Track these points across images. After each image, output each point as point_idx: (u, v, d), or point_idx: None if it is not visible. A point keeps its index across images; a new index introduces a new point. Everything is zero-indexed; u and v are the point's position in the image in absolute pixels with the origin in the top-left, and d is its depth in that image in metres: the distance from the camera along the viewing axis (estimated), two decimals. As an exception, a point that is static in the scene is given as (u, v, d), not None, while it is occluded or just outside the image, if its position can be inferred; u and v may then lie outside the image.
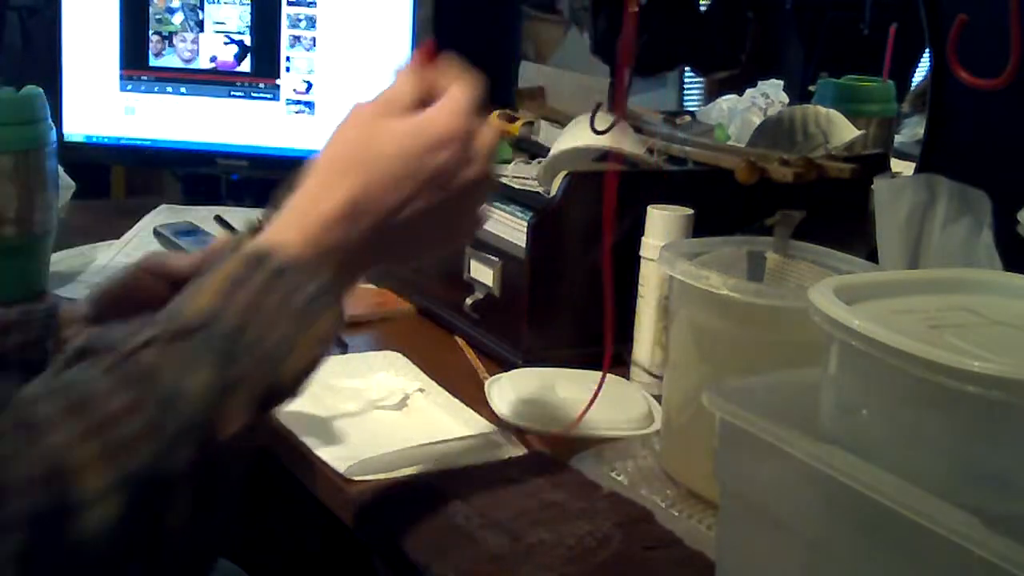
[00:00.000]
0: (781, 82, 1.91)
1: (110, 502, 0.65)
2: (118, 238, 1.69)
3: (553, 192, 1.25)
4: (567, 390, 1.13)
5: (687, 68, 1.46)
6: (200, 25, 1.85)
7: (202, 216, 1.78)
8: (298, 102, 1.85)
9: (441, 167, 0.80)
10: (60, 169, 1.60)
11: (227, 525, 0.73)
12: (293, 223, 0.79)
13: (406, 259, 0.87)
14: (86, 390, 0.69)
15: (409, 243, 0.83)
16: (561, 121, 1.40)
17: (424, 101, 0.83)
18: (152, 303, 0.97)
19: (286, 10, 1.84)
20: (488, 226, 1.32)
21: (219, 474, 0.71)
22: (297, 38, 1.84)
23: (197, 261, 0.96)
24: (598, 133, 1.21)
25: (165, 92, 1.85)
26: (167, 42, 1.86)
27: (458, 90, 0.83)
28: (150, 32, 1.86)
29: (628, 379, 1.19)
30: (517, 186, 1.33)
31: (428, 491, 0.95)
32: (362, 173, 0.80)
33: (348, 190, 0.79)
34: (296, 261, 0.76)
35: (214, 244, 0.99)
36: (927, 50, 1.48)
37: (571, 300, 1.23)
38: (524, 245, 1.23)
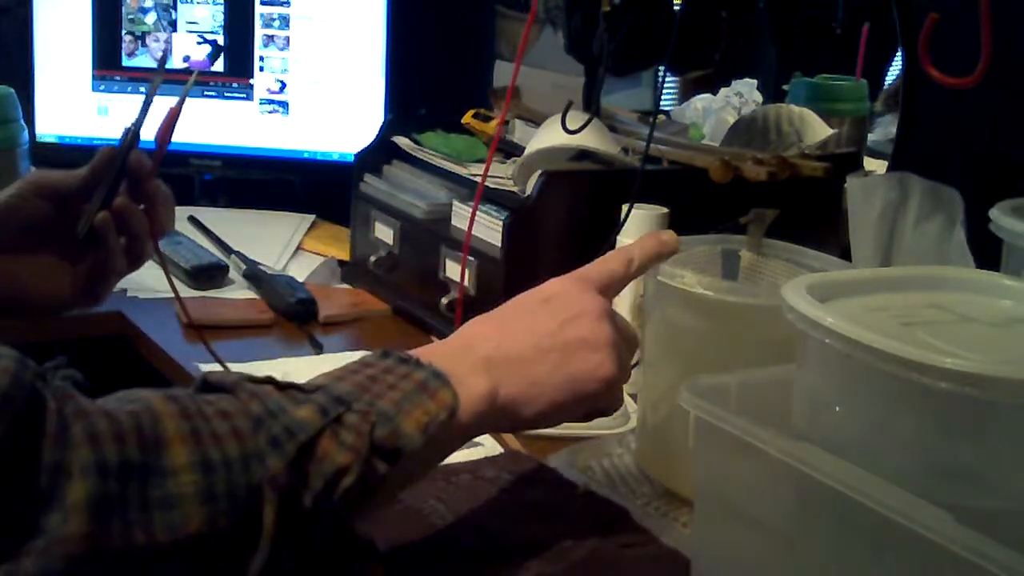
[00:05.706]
0: (755, 81, 1.92)
1: (188, 480, 0.63)
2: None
3: (528, 191, 1.25)
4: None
5: (662, 67, 1.46)
6: (173, 25, 1.85)
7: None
8: (272, 102, 1.85)
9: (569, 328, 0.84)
10: (32, 169, 1.59)
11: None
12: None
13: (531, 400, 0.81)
14: (184, 394, 0.68)
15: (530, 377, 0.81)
16: (536, 120, 1.40)
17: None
18: (38, 223, 0.94)
19: (259, 9, 1.83)
20: (463, 224, 1.33)
21: (307, 505, 0.67)
22: (271, 37, 1.84)
23: (85, 176, 0.93)
24: (569, 132, 1.21)
25: (138, 92, 1.84)
26: (140, 42, 1.85)
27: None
28: (123, 32, 1.85)
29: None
30: (492, 186, 1.33)
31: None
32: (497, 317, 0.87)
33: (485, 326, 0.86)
34: (425, 358, 0.76)
35: (99, 155, 0.96)
36: (900, 49, 1.49)
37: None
38: (499, 244, 1.23)
